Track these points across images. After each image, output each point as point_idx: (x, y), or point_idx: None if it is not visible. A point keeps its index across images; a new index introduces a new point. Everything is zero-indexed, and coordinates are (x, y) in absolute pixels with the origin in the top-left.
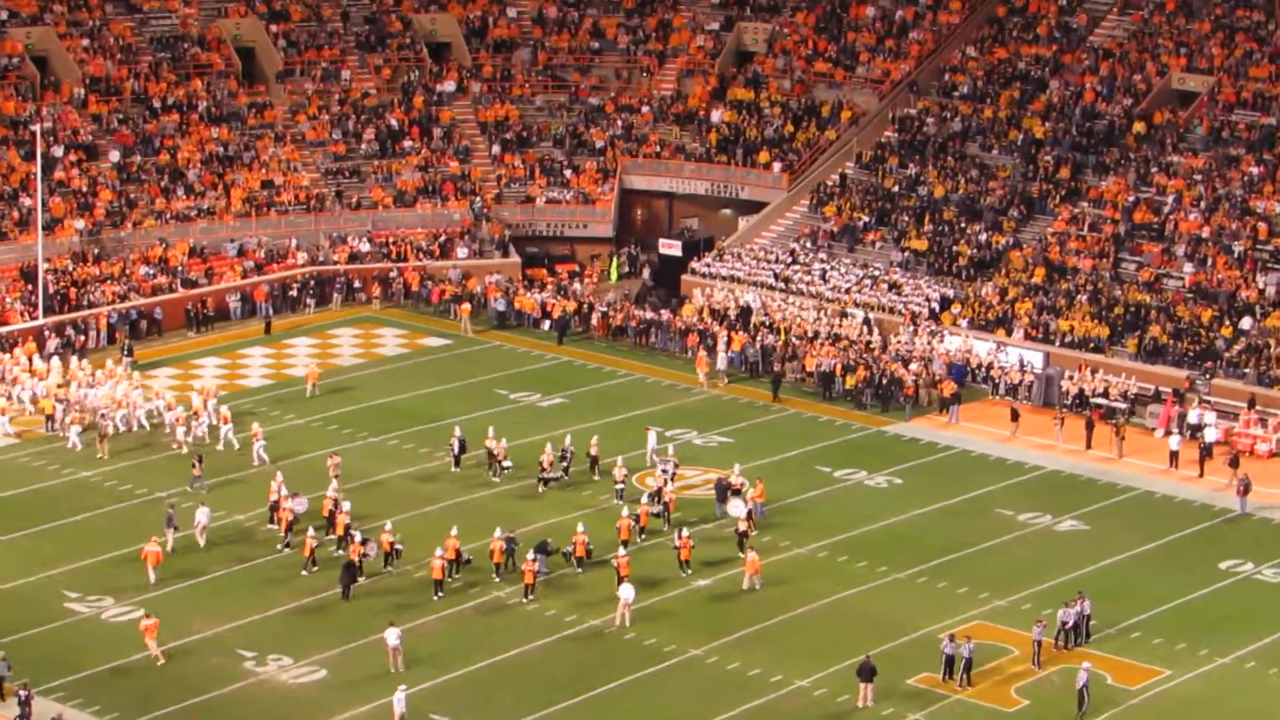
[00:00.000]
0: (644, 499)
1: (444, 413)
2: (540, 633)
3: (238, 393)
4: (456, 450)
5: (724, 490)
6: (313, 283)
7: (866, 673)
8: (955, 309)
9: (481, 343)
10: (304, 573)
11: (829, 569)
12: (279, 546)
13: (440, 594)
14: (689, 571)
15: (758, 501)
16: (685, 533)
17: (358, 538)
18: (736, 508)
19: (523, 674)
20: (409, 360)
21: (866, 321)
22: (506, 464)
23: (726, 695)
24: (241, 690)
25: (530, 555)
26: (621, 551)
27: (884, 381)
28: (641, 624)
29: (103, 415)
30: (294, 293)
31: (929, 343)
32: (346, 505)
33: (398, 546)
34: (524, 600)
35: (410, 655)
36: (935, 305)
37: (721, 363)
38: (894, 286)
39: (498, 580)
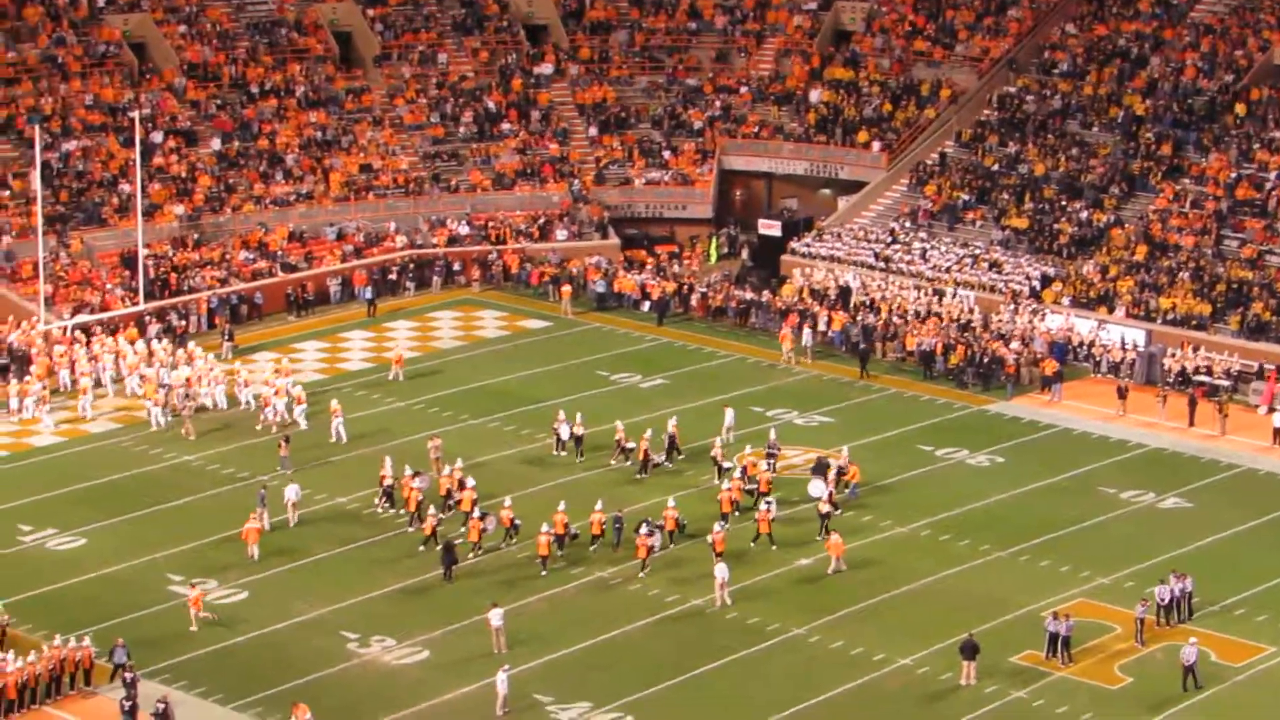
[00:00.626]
0: (736, 474)
1: (544, 394)
2: (642, 612)
3: (338, 376)
4: (566, 435)
5: (824, 469)
6: (412, 266)
7: (969, 651)
8: (1056, 287)
9: (581, 324)
10: (421, 548)
11: (931, 548)
12: (409, 528)
13: (545, 570)
14: (773, 547)
15: (853, 483)
16: (765, 505)
17: (476, 514)
18: (816, 488)
19: (625, 654)
20: (509, 342)
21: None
22: (629, 445)
23: (829, 674)
24: (344, 672)
25: (643, 529)
26: (718, 527)
27: (985, 360)
28: (743, 603)
29: (184, 395)
30: (393, 276)
31: (1030, 321)
32: (471, 482)
33: (516, 522)
34: (640, 574)
35: (513, 636)
36: (1036, 283)
37: (807, 339)
38: (995, 265)
39: (593, 551)
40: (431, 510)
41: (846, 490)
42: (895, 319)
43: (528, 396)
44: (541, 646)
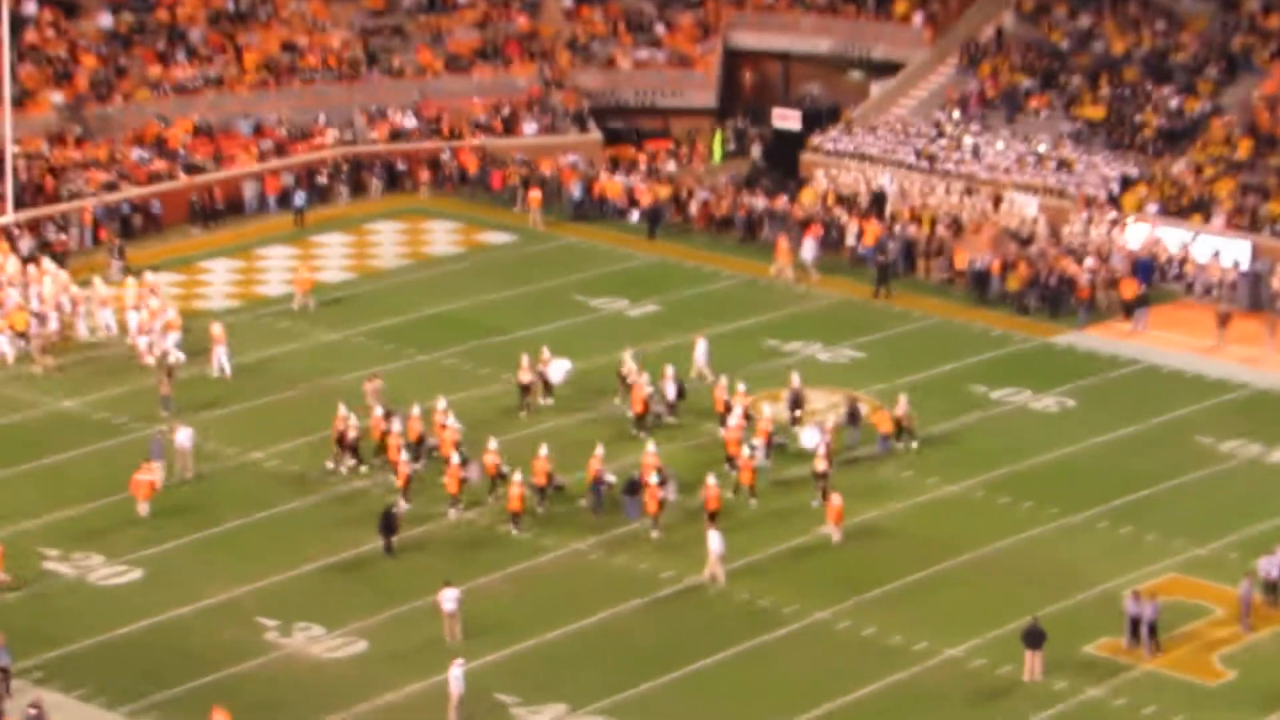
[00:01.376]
0: (745, 450)
1: (508, 324)
2: (631, 592)
3: (256, 302)
4: (559, 378)
5: (856, 415)
6: (346, 167)
7: (1034, 639)
8: (1140, 191)
9: (554, 239)
10: (401, 503)
11: (985, 511)
12: (395, 508)
13: (518, 529)
14: (752, 501)
15: (882, 435)
16: (749, 450)
17: (455, 459)
18: (810, 437)
19: (610, 644)
20: (465, 261)
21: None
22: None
23: (860, 668)
24: (262, 668)
25: (653, 478)
26: (711, 480)
27: (1052, 282)
28: (753, 580)
29: (37, 322)
30: (323, 180)
31: (1108, 234)
32: (453, 421)
33: (503, 469)
34: (653, 533)
35: (471, 622)
36: (1115, 187)
37: (809, 252)
38: (1064, 165)
39: (585, 505)
40: (405, 456)
41: (881, 445)
42: (941, 231)
43: (488, 326)
44: (505, 635)
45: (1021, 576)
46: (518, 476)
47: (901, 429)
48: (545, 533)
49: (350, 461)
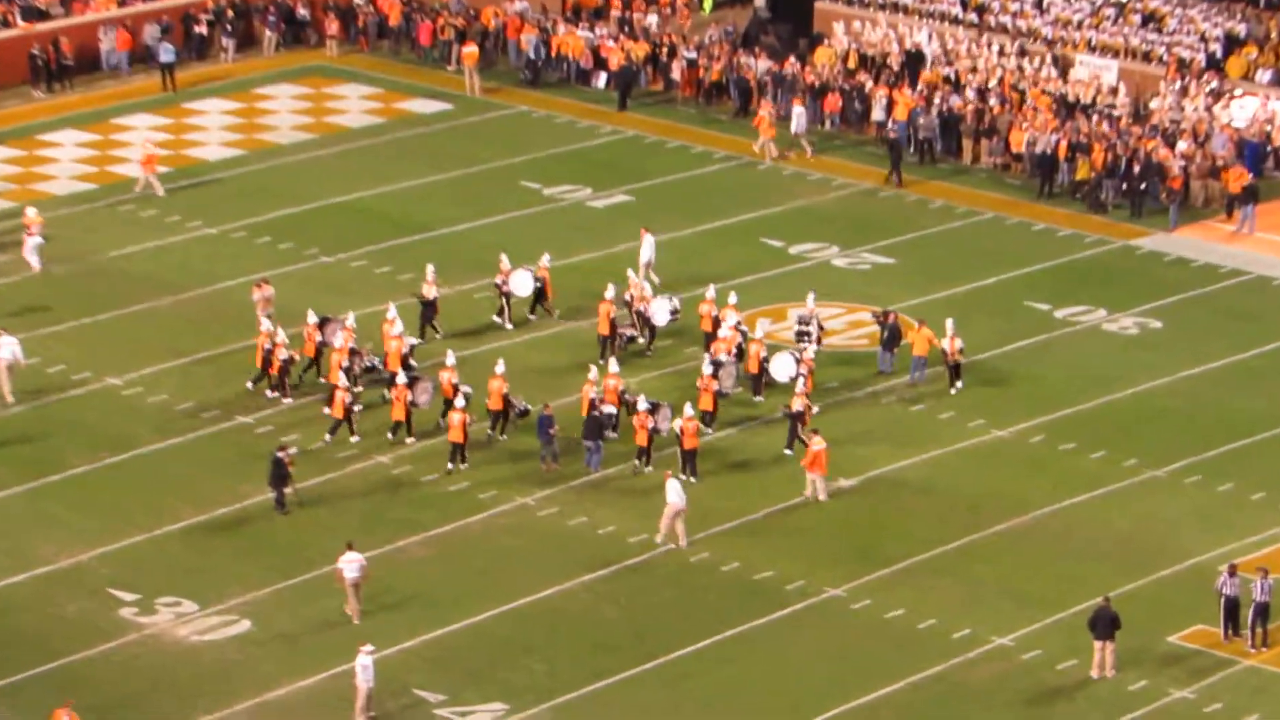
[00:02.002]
0: (705, 368)
1: (438, 217)
2: (590, 560)
3: (113, 185)
4: (527, 291)
5: (896, 335)
6: (231, 14)
7: (1104, 625)
8: (1248, 55)
9: (498, 108)
10: (353, 439)
11: (1045, 462)
12: (325, 437)
13: (462, 463)
14: (708, 431)
15: (917, 356)
16: (708, 369)
17: (402, 378)
18: (782, 366)
19: (558, 628)
20: (384, 135)
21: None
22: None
23: (883, 658)
24: (116, 652)
25: (642, 404)
26: (689, 410)
27: (1135, 169)
28: (745, 545)
29: None
30: (201, 30)
31: (1206, 109)
32: (408, 338)
33: (464, 390)
34: (642, 468)
35: (381, 597)
36: (1216, 49)
37: (799, 124)
38: (1151, 19)
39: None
40: (341, 382)
41: (914, 373)
42: (993, 103)
43: (413, 221)
44: (429, 614)
45: (1089, 546)
46: (460, 401)
47: (950, 365)
48: (484, 482)
49: (273, 394)
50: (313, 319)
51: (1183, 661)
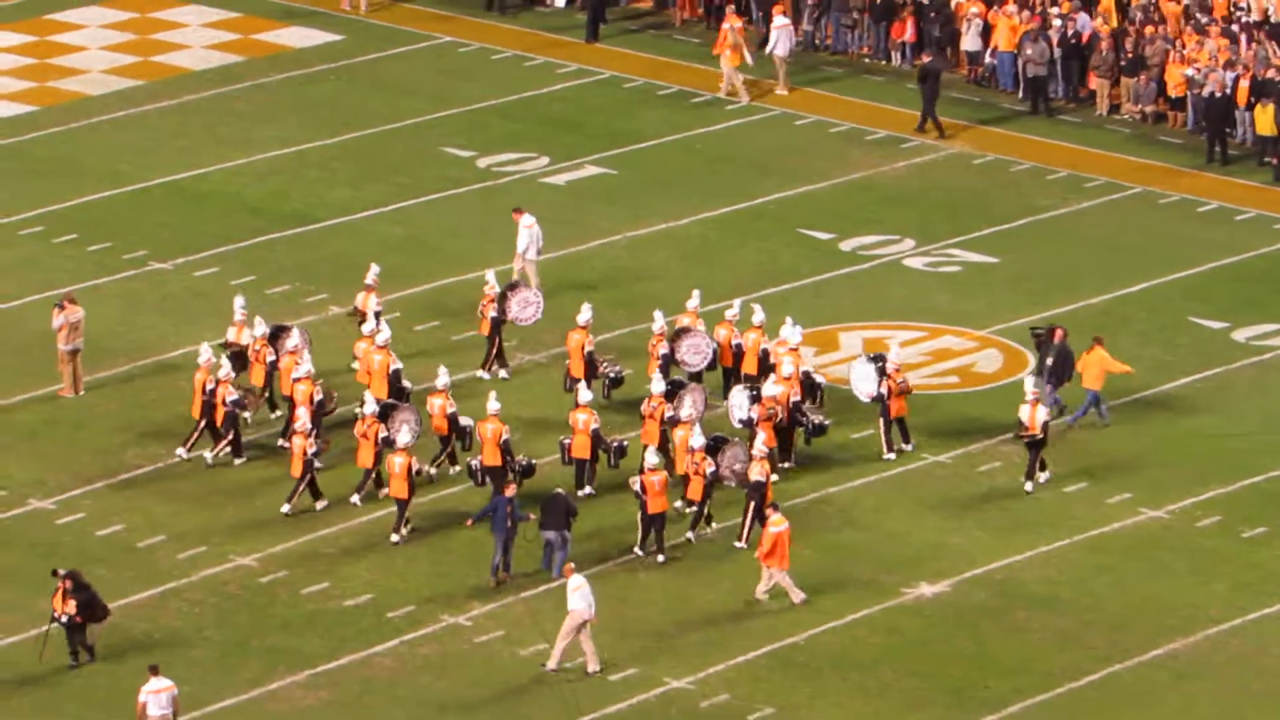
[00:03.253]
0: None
1: (321, 204)
2: (496, 679)
3: None
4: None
5: (1065, 361)
6: None
7: None
8: None
9: (409, 37)
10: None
11: (1222, 556)
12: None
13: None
14: (709, 530)
15: (1091, 390)
16: (699, 442)
17: (370, 408)
18: (738, 404)
19: None
20: (239, 82)
21: None
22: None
23: None
24: None
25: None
26: (651, 458)
27: None
28: (779, 683)
29: None
30: None
31: None
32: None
33: (463, 424)
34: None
35: None
36: None
37: (780, 47)
38: None
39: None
40: (311, 442)
41: (1083, 411)
42: (1129, 26)
43: (283, 209)
44: None
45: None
46: (403, 442)
47: (1027, 439)
48: (394, 592)
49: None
50: (260, 329)
51: None
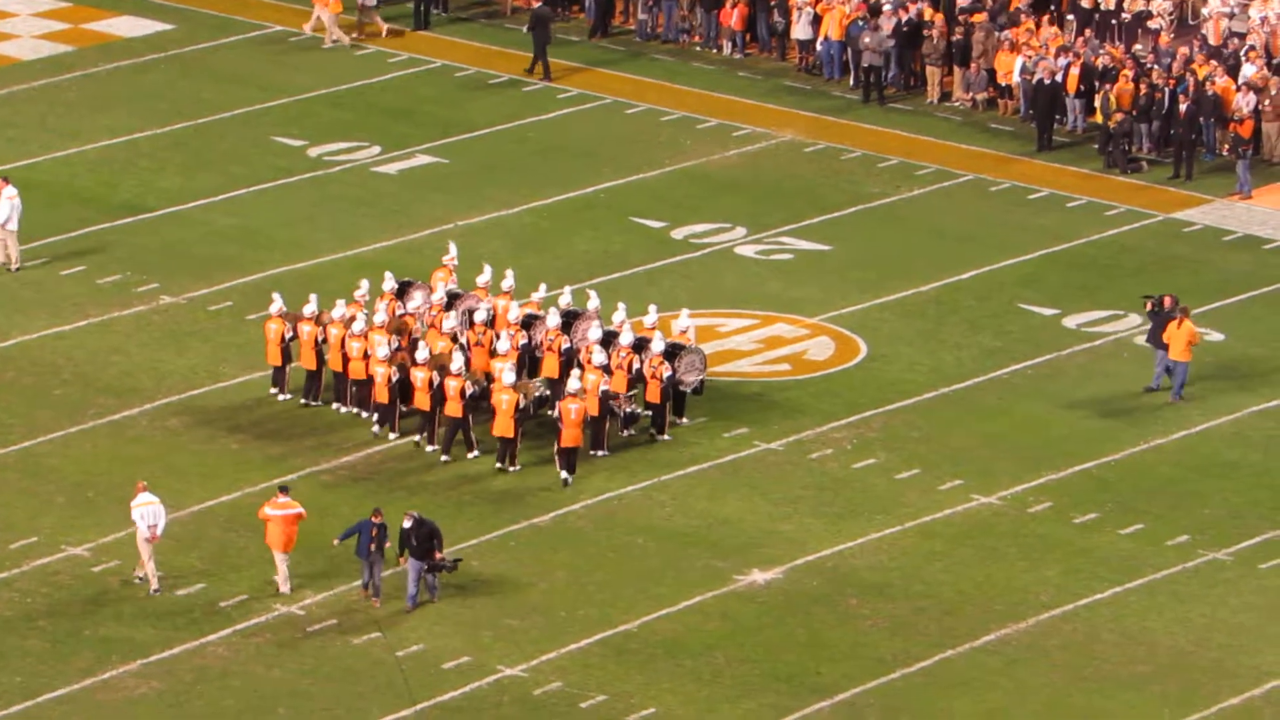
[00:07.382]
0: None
1: (152, 193)
2: (329, 668)
3: None
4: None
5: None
6: None
7: None
8: None
9: (240, 27)
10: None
11: (1052, 542)
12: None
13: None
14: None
15: (1179, 362)
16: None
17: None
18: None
19: None
20: (67, 71)
21: None
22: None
23: None
24: None
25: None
26: (574, 385)
27: (1182, 106)
28: (613, 669)
29: None
30: None
31: None
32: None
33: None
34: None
35: None
36: None
37: None
38: None
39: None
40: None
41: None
42: (970, 11)
43: (113, 199)
44: None
45: (1121, 665)
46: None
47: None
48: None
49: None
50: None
51: None
